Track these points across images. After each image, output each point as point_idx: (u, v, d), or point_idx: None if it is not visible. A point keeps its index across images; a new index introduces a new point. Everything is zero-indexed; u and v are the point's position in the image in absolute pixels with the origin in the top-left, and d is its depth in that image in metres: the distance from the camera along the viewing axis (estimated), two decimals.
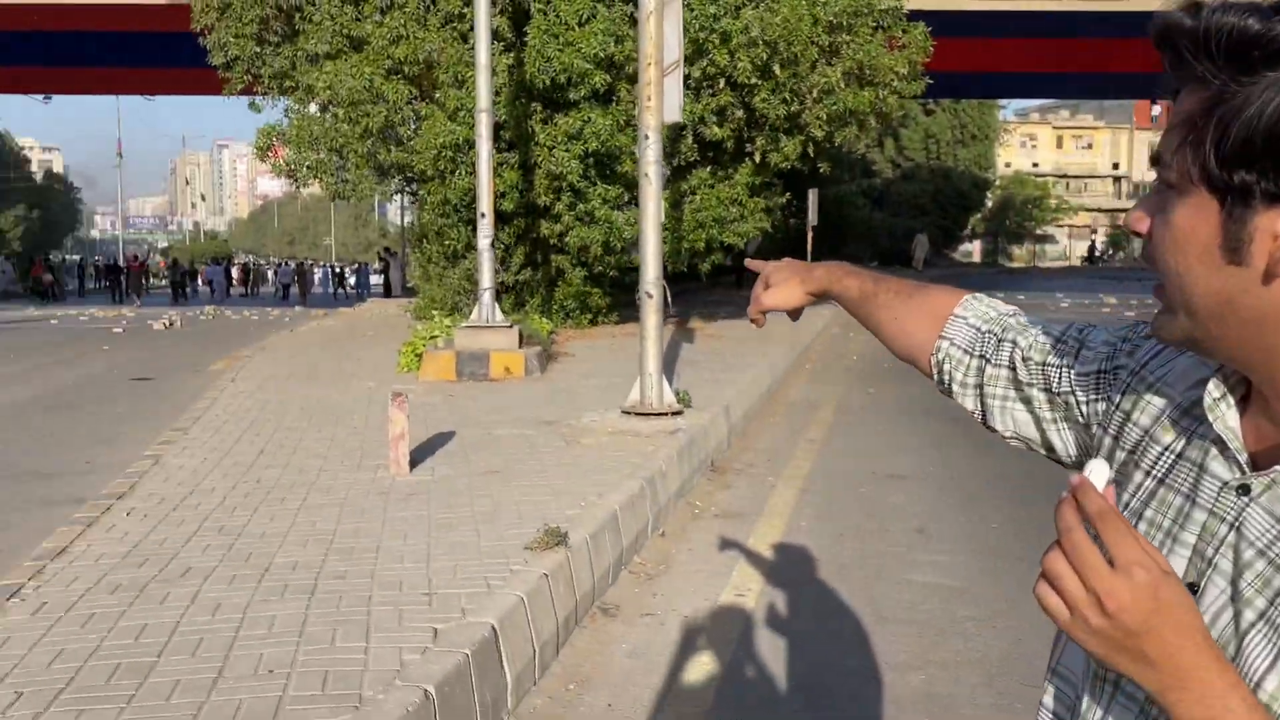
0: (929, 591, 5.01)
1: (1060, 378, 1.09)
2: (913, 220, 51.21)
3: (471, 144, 13.16)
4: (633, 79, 13.62)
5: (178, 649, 3.65)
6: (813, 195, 25.89)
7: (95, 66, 30.41)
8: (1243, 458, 0.88)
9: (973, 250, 73.41)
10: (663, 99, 8.21)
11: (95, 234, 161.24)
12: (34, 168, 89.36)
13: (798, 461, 8.00)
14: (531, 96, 14.31)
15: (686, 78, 13.12)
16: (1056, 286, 37.70)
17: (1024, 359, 1.13)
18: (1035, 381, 1.12)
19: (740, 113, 15.02)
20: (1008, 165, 76.33)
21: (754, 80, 14.57)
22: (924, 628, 4.51)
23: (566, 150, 14.09)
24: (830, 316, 18.72)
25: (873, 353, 14.87)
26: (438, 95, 14.37)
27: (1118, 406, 1.02)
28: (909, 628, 4.51)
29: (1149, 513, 0.94)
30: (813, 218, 26.37)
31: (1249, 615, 0.83)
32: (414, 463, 6.63)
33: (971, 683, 3.96)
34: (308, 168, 16.00)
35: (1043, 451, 1.13)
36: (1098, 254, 75.76)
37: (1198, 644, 0.78)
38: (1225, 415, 0.89)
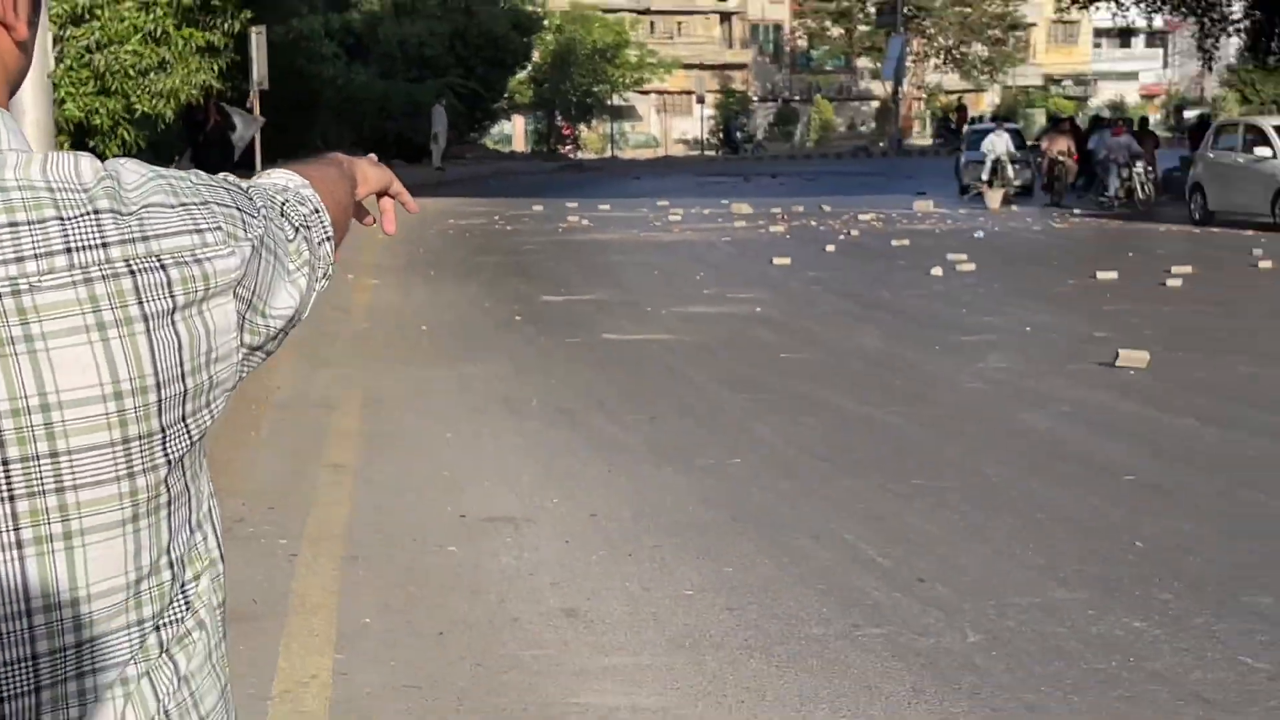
0: None
1: None
2: (417, 82, 44.03)
3: None
4: None
5: None
6: (257, 37, 22.58)
7: None
8: None
9: (514, 131, 66.11)
10: None
11: None
12: None
13: (325, 509, 7.14)
14: None
15: None
16: (655, 189, 35.46)
17: None
18: None
19: None
20: None
21: None
22: None
23: None
24: None
25: (393, 306, 14.83)
26: None
27: None
28: None
29: None
30: (259, 74, 23.09)
31: None
32: None
33: None
34: None
35: None
36: (741, 135, 65.99)
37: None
38: None
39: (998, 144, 32.37)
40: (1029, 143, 37.03)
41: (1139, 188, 28.84)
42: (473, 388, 10.78)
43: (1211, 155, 26.26)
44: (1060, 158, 31.78)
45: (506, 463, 8.34)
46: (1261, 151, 24.31)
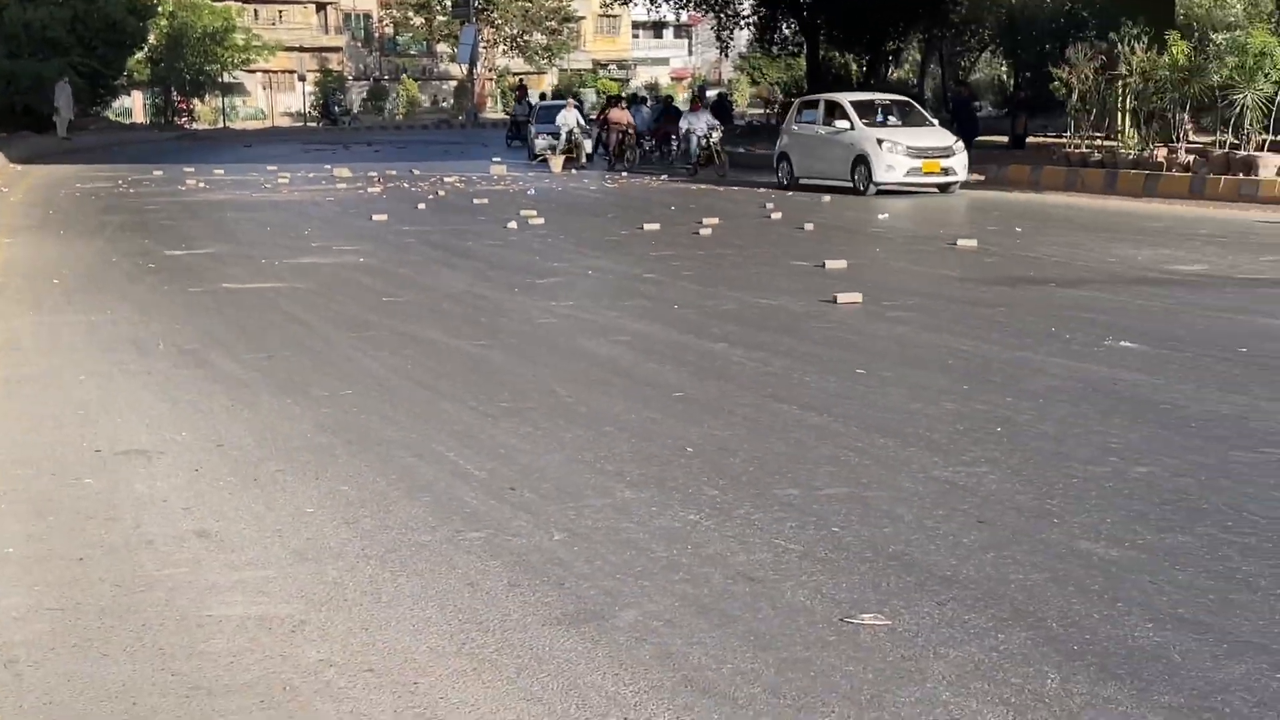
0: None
1: None
2: (41, 62, 43.13)
3: None
4: None
5: None
6: None
7: None
8: None
9: (134, 105, 66.45)
10: None
11: None
12: None
13: None
14: None
15: None
16: (265, 156, 36.30)
17: None
18: None
19: None
20: None
21: None
22: None
23: None
24: None
25: (25, 261, 14.50)
26: None
27: None
28: None
29: None
30: None
31: None
32: None
33: None
34: None
35: None
36: (339, 109, 68.96)
37: None
38: None
39: (569, 118, 32.56)
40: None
41: (715, 155, 28.59)
42: (103, 333, 10.10)
43: (796, 128, 25.52)
44: (629, 129, 32.25)
45: (137, 400, 7.82)
46: (841, 124, 23.82)
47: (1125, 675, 3.91)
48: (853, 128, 23.52)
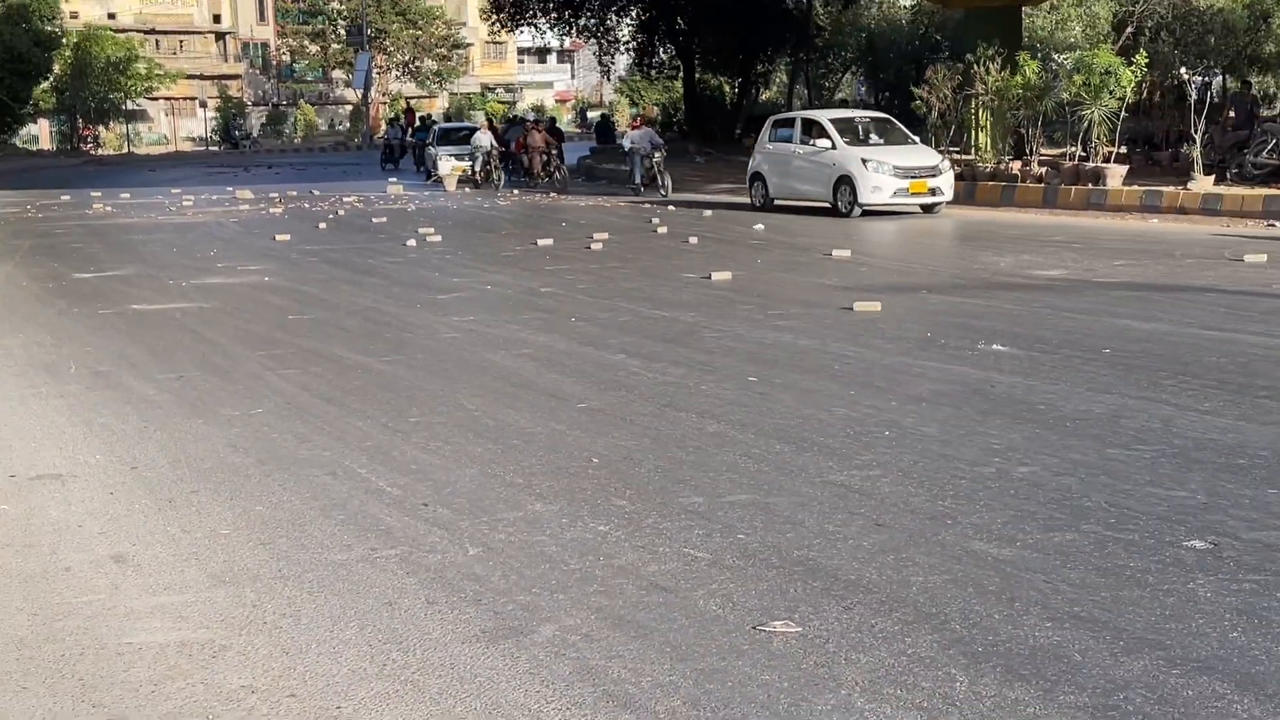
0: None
1: None
2: None
3: None
4: None
5: None
6: None
7: None
8: None
9: (40, 133, 66.01)
10: None
11: None
12: None
13: None
14: None
15: None
16: (169, 180, 36.38)
17: None
18: None
19: None
20: (75, 16, 63.97)
21: None
22: None
23: None
24: None
25: None
26: None
27: None
28: None
29: None
30: None
31: None
32: None
33: None
34: None
35: None
36: (239, 133, 68.14)
37: None
38: None
39: (483, 140, 31.93)
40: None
41: (660, 175, 26.74)
42: (14, 356, 9.66)
43: (770, 147, 23.21)
44: (553, 149, 31.59)
45: (50, 424, 7.45)
46: (821, 143, 21.54)
47: (1030, 675, 3.81)
48: (834, 147, 21.36)
